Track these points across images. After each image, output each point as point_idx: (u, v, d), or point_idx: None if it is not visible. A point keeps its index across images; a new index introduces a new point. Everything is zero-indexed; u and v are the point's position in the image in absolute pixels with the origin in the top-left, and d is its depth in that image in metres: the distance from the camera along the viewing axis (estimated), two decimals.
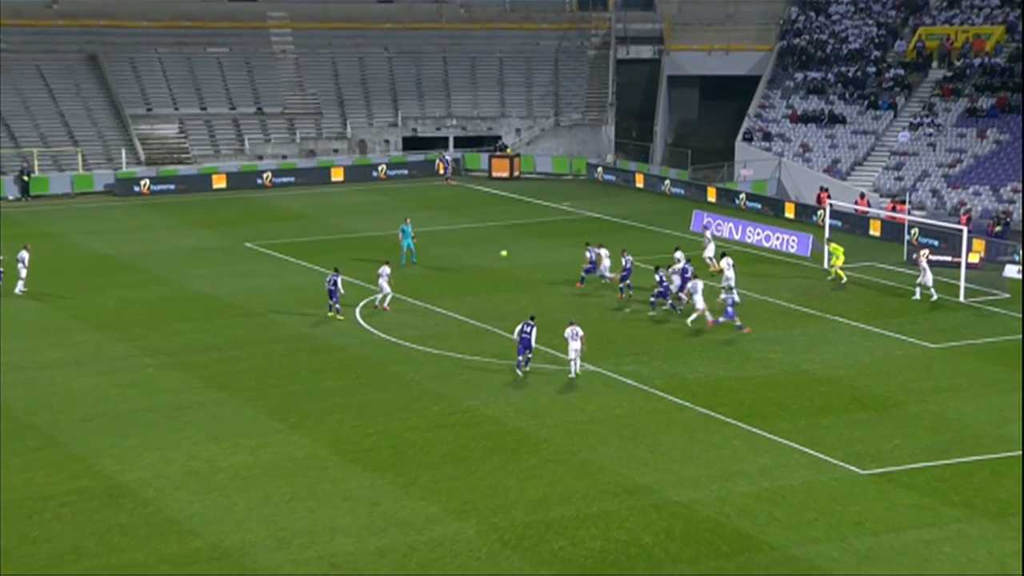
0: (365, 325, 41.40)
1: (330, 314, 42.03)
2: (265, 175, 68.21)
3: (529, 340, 35.92)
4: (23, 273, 45.37)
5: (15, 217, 59.35)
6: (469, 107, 77.01)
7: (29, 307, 43.43)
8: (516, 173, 70.90)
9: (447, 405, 33.93)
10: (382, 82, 77.05)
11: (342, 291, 42.10)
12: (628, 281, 44.22)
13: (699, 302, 40.68)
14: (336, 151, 73.32)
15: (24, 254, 45.83)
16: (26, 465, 29.57)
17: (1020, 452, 30.65)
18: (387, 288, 42.97)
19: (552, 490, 28.38)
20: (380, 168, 70.81)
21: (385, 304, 43.00)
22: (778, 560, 25.38)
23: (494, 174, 70.69)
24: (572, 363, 35.98)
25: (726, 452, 30.72)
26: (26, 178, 63.92)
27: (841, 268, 47.41)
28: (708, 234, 50.68)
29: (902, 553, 25.63)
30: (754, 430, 32.12)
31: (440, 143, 75.33)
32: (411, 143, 75.25)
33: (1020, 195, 58.64)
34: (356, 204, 63.16)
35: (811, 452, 30.65)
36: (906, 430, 32.26)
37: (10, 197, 63.39)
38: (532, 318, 36.61)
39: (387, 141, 75.02)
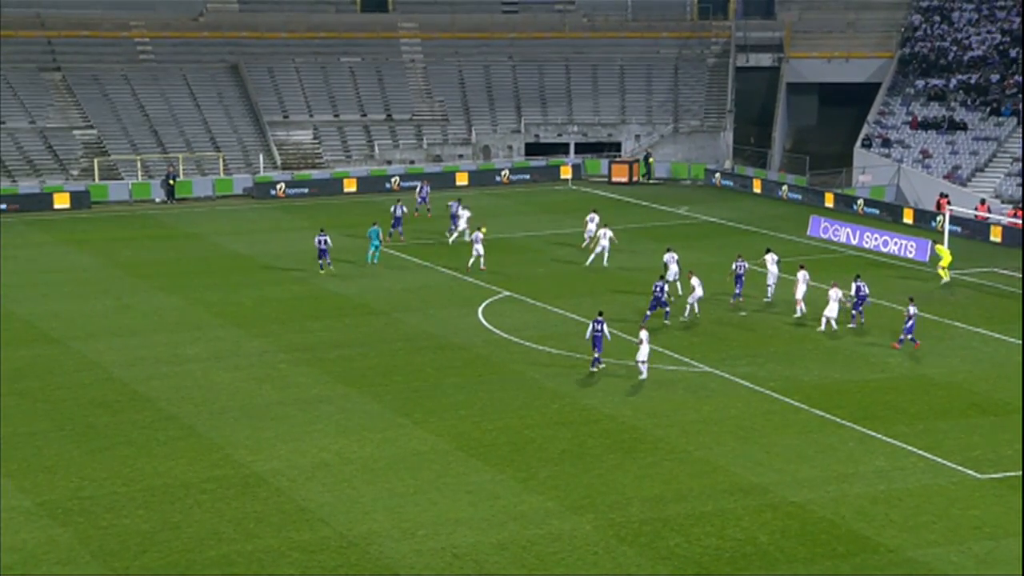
0: (487, 325, 41.62)
1: (322, 271, 47.56)
2: (393, 179, 69.04)
3: (600, 338, 35.69)
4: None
5: (160, 219, 61.09)
6: (590, 113, 76.91)
7: (173, 304, 44.64)
8: (635, 178, 70.55)
9: (565, 403, 33.92)
10: (506, 89, 77.39)
11: (331, 245, 47.75)
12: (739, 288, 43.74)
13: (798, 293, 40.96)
14: (461, 156, 73.86)
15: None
16: (169, 454, 30.40)
17: None
18: (481, 250, 48.02)
19: (668, 488, 28.18)
20: (503, 173, 71.10)
21: (481, 265, 47.90)
22: (894, 562, 24.83)
23: (614, 179, 70.45)
24: (641, 365, 35.43)
25: (842, 454, 30.15)
26: (172, 182, 65.73)
27: (946, 269, 46.40)
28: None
29: (1021, 558, 24.83)
30: (870, 433, 31.46)
31: (562, 149, 75.38)
32: (533, 149, 75.42)
33: None
34: (480, 207, 63.49)
35: (928, 456, 29.91)
36: None
37: (156, 200, 65.26)
38: (600, 314, 36.36)
39: (510, 147, 75.32)
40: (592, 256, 49.69)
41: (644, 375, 35.46)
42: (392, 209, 55.14)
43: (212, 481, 28.72)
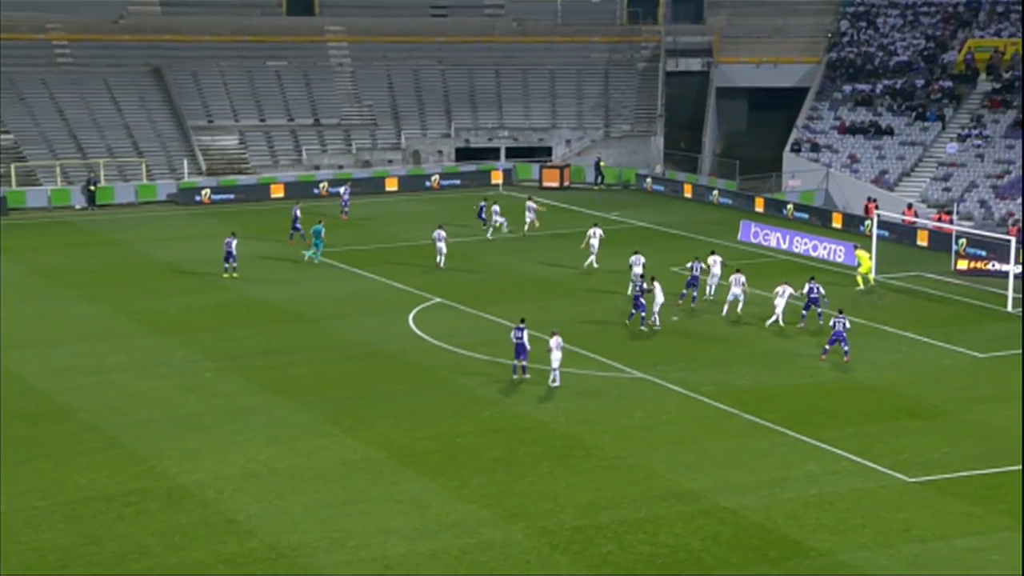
0: (418, 332, 41.52)
1: (225, 275, 47.73)
2: (322, 185, 68.63)
3: (523, 344, 35.75)
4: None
5: (81, 226, 60.16)
6: (521, 118, 77.07)
7: (95, 312, 43.96)
8: (566, 183, 70.83)
9: (497, 411, 33.93)
10: (436, 94, 77.30)
11: (235, 253, 47.84)
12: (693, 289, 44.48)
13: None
14: (391, 161, 73.63)
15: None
16: (91, 466, 29.91)
17: None
18: (444, 248, 49.66)
19: (601, 495, 28.28)
20: (433, 178, 71.00)
21: (441, 263, 49.56)
22: (825, 566, 25.14)
23: (545, 184, 70.65)
24: (553, 372, 35.48)
25: (774, 459, 30.48)
26: (92, 188, 64.75)
27: (865, 275, 47.09)
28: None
29: (949, 560, 25.29)
30: (802, 437, 31.85)
31: (493, 154, 75.44)
32: (464, 154, 75.37)
33: None
34: (410, 213, 63.41)
35: (859, 460, 30.33)
36: (954, 439, 31.84)
37: (77, 206, 64.24)
38: (523, 321, 36.48)
39: (440, 152, 75.24)
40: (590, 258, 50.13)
41: (557, 382, 35.53)
42: (293, 211, 55.47)
43: (136, 494, 28.31)
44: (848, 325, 38.37)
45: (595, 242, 50.32)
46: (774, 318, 41.49)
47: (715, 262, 45.08)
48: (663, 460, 30.34)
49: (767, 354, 39.25)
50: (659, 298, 41.33)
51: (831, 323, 38.65)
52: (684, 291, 44.39)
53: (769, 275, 48.03)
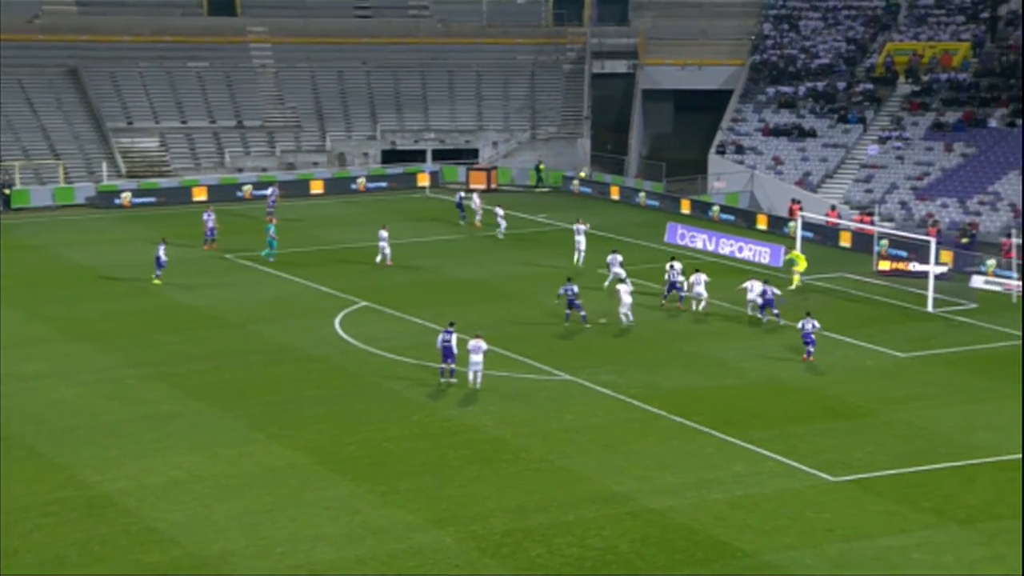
0: (345, 336, 41.35)
1: (155, 280, 47.57)
2: (245, 188, 68.04)
3: (451, 348, 35.81)
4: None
5: None
6: (447, 120, 77.06)
7: (12, 318, 43.17)
8: (493, 185, 70.96)
9: (425, 415, 33.90)
10: (361, 96, 77.00)
11: (165, 260, 47.87)
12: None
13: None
14: (316, 164, 73.22)
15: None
16: (7, 475, 29.37)
17: (988, 459, 30.87)
18: (387, 249, 50.81)
19: (530, 498, 28.38)
20: (359, 181, 70.73)
21: (388, 261, 50.62)
22: (752, 567, 25.46)
23: (472, 186, 70.72)
24: (475, 375, 35.56)
25: (701, 460, 30.80)
26: (7, 191, 63.56)
27: (799, 275, 47.86)
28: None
29: (873, 559, 25.75)
30: (729, 439, 32.23)
31: (419, 156, 75.33)
32: (390, 156, 75.15)
33: (999, 208, 59.04)
34: (336, 216, 63.09)
35: (784, 460, 30.76)
36: (877, 438, 32.42)
37: None
38: (451, 324, 36.55)
39: (366, 154, 74.96)
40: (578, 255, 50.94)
41: (478, 384, 35.53)
42: (204, 218, 55.20)
43: (55, 503, 27.87)
44: (818, 326, 39.00)
45: (581, 238, 51.20)
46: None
47: (699, 281, 44.21)
48: (592, 463, 30.52)
49: (695, 356, 39.66)
50: (626, 300, 41.97)
51: (799, 325, 39.28)
52: (667, 292, 44.85)
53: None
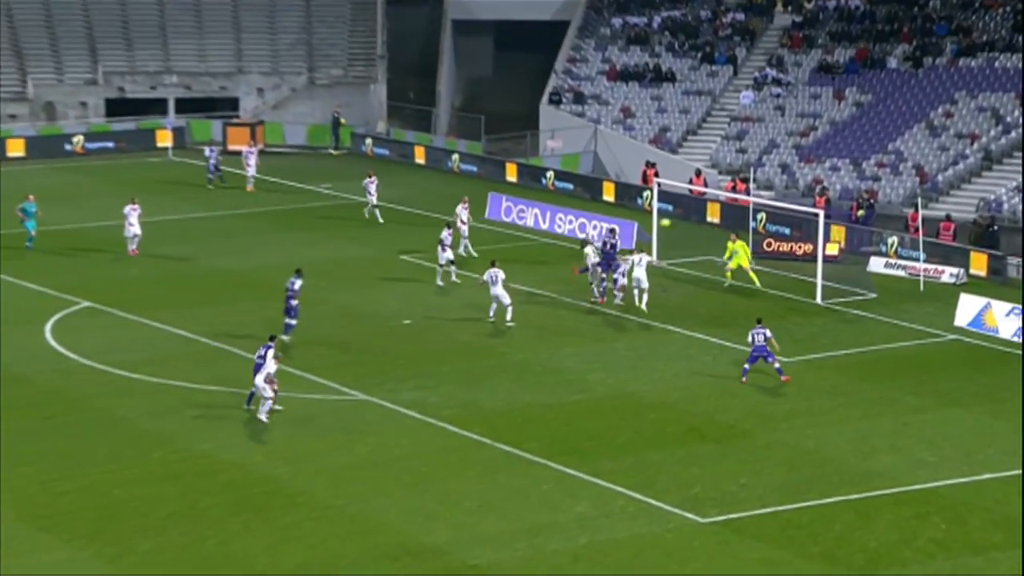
0: (59, 347, 40.54)
1: None
2: None
3: (262, 365, 35.50)
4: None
5: None
6: (194, 59, 76.09)
7: None
8: (260, 145, 70.35)
9: (172, 450, 33.50)
10: (75, 26, 75.48)
11: None
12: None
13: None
14: (14, 117, 71.49)
15: None
16: None
17: (890, 491, 31.95)
18: (138, 230, 50.70)
19: (313, 555, 28.35)
20: (76, 140, 69.52)
21: (134, 246, 50.72)
22: None
23: (231, 147, 69.88)
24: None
25: (535, 500, 31.20)
26: None
27: (735, 270, 47.64)
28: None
29: None
30: (569, 471, 32.69)
31: (158, 107, 74.19)
32: (117, 107, 74.00)
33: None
34: (44, 187, 61.47)
35: (640, 497, 31.36)
36: (755, 466, 33.29)
37: None
38: (272, 338, 36.30)
39: (84, 104, 73.57)
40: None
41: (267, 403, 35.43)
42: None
43: None
44: (769, 335, 38.32)
45: (465, 216, 50.99)
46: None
47: (640, 259, 44.94)
48: (394, 507, 30.63)
49: (525, 365, 40.09)
50: (505, 299, 42.38)
51: (749, 337, 38.67)
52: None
53: (527, 262, 49.05)
